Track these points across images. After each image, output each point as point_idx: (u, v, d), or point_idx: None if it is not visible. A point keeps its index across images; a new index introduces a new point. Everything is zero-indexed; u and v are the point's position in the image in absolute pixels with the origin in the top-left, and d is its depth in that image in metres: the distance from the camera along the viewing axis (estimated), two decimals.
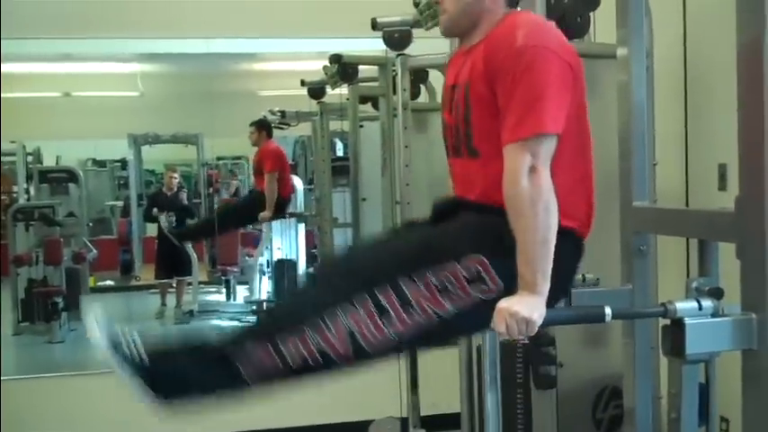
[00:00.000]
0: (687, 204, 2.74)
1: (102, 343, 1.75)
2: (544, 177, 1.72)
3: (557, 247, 1.73)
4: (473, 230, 1.84)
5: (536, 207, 1.70)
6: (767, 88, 1.59)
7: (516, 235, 1.74)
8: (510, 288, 1.74)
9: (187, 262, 6.85)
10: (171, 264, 6.86)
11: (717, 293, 1.76)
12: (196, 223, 7.01)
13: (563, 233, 1.79)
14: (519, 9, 1.98)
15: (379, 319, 1.75)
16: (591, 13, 2.83)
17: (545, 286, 1.70)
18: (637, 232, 2.14)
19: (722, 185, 2.86)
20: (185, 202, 7.13)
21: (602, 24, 2.82)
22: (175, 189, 7.04)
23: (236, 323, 6.36)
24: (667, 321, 1.77)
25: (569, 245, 1.87)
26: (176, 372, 1.80)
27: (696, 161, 2.82)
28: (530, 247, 1.71)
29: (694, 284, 1.81)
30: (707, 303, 1.72)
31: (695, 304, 1.72)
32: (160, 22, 4.39)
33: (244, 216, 6.54)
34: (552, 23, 1.97)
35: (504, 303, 1.70)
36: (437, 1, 2.00)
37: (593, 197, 1.96)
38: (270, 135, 6.23)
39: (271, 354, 1.75)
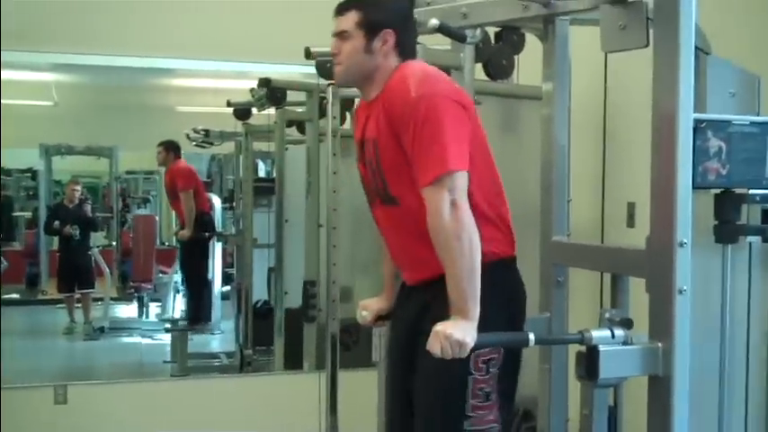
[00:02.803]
0: (603, 240, 2.93)
1: None
2: (464, 210, 1.87)
3: (495, 277, 1.91)
4: None
5: (461, 240, 1.85)
6: (678, 135, 1.75)
7: (444, 265, 1.88)
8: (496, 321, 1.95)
9: (89, 274, 6.77)
10: (73, 276, 6.75)
11: (627, 323, 1.90)
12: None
13: (494, 263, 1.95)
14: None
15: None
16: (515, 57, 3.02)
17: (476, 311, 1.84)
18: (555, 264, 2.30)
19: (630, 223, 3.08)
20: (89, 214, 7.01)
21: (525, 67, 3.00)
22: (77, 201, 6.91)
23: (148, 340, 6.30)
24: (581, 347, 1.90)
25: (503, 272, 2.04)
26: None
27: (609, 199, 3.03)
28: (458, 277, 1.85)
29: (607, 315, 1.95)
30: (619, 332, 1.86)
31: (608, 333, 1.86)
32: (79, 37, 4.33)
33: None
34: (438, 70, 2.07)
35: (439, 327, 1.83)
36: (333, 53, 2.08)
37: (509, 215, 2.11)
38: (178, 155, 6.14)
39: None
